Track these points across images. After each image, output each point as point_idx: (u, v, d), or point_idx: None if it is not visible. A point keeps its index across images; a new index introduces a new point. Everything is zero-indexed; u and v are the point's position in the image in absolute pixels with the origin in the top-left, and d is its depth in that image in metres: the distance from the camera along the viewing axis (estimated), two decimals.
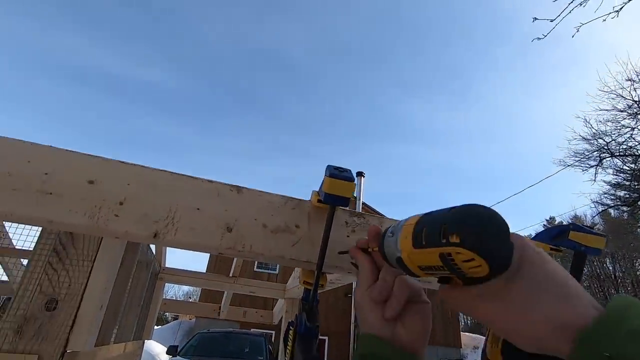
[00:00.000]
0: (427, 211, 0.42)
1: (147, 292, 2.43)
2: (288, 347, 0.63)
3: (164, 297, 3.83)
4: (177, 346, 8.09)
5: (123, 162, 0.61)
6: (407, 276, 0.52)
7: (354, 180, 0.60)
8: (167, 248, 2.82)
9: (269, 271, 15.44)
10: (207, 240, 0.60)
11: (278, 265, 15.71)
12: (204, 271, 3.08)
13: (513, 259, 0.36)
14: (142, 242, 0.59)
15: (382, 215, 0.86)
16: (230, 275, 2.96)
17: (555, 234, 0.82)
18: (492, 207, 0.37)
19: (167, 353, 8.09)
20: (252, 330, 11.13)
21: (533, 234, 0.94)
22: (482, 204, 0.36)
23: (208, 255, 15.68)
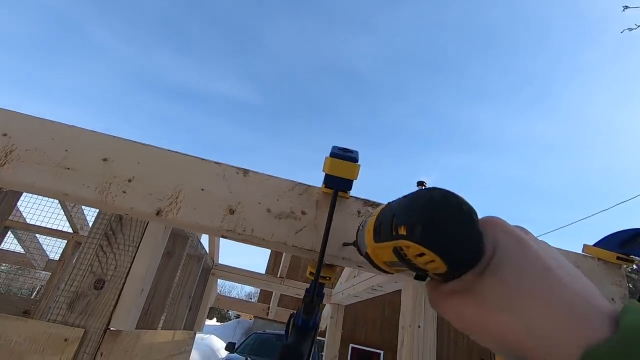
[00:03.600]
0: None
1: (198, 286, 2.57)
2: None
3: (223, 294, 4.03)
4: (235, 343, 8.49)
5: (135, 141, 0.63)
6: None
7: (357, 161, 0.55)
8: (221, 245, 2.96)
9: None
10: (208, 221, 0.59)
11: None
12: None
13: (486, 249, 0.28)
14: (145, 219, 0.60)
15: None
16: (278, 276, 3.00)
17: (624, 240, 0.66)
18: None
19: (226, 349, 8.52)
20: None
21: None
22: (445, 188, 0.29)
23: (267, 258, 16.22)
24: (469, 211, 0.28)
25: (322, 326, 3.54)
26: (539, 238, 0.32)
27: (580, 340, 0.22)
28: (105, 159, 0.61)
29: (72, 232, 2.87)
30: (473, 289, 0.29)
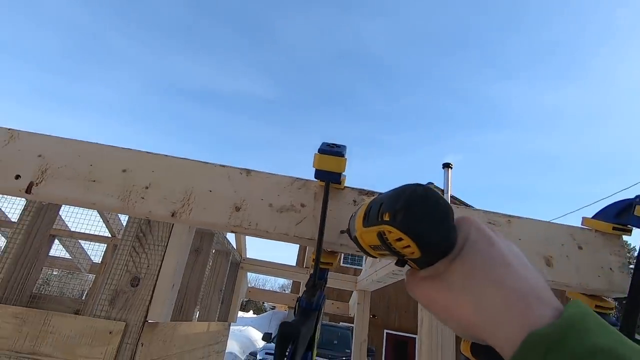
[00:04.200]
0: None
1: (229, 279, 2.70)
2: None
3: (257, 287, 4.21)
4: (271, 333, 8.80)
5: (150, 152, 0.71)
6: None
7: (344, 156, 0.59)
8: (247, 240, 3.08)
9: (355, 266, 15.56)
10: (217, 219, 0.66)
11: (363, 262, 15.73)
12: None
13: (458, 242, 0.33)
14: (162, 220, 0.68)
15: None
16: (304, 266, 3.09)
17: (619, 210, 0.67)
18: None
19: (263, 339, 8.86)
20: (340, 323, 11.39)
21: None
22: (422, 183, 0.34)
23: (296, 253, 16.50)
24: (445, 207, 0.33)
25: (352, 312, 3.62)
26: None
27: (527, 323, 0.26)
28: (124, 170, 0.69)
29: (110, 236, 3.08)
30: (442, 275, 0.34)
